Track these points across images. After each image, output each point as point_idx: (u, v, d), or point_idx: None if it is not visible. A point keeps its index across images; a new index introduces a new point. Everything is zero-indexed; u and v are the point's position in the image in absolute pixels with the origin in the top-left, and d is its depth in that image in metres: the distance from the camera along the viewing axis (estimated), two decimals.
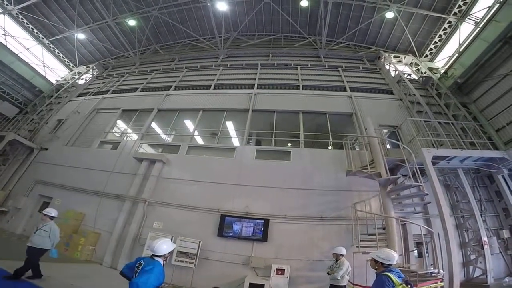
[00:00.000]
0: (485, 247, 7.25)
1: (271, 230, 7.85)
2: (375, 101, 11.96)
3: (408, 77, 12.90)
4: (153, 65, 17.52)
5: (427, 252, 7.17)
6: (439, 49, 14.22)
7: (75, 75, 18.40)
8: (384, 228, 6.85)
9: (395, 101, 11.97)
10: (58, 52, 18.61)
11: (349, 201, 7.94)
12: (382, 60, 14.89)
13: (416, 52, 14.65)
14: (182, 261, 7.29)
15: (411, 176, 6.74)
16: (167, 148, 11.01)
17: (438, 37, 14.02)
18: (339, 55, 15.88)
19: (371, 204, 7.92)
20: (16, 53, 15.89)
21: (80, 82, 17.94)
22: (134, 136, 12.19)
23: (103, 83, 16.70)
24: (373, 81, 13.55)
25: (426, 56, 14.73)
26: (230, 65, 15.69)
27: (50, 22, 16.73)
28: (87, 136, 12.56)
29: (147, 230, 8.14)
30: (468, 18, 12.44)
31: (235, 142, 11.82)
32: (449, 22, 13.28)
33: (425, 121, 9.95)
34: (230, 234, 7.91)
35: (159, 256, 3.10)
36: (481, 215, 7.93)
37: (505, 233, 7.77)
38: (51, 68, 18.39)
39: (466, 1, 12.31)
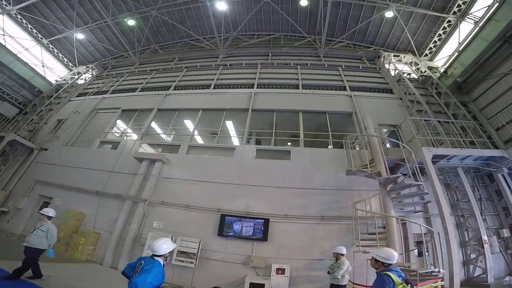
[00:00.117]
0: (485, 246, 7.25)
1: (272, 230, 7.85)
2: (375, 100, 11.95)
3: (408, 76, 12.89)
4: (152, 65, 17.50)
5: (427, 251, 7.18)
6: (439, 48, 14.22)
7: (75, 75, 18.38)
8: (384, 227, 6.85)
9: (395, 100, 11.97)
10: (57, 52, 18.59)
11: (349, 201, 7.94)
12: (382, 59, 14.89)
13: (415, 51, 14.65)
14: (183, 261, 7.29)
15: (411, 175, 6.74)
16: (167, 148, 11.00)
17: (437, 36, 14.01)
18: (338, 54, 15.87)
19: (371, 203, 7.93)
20: (15, 53, 15.87)
21: (80, 82, 17.93)
22: (134, 136, 12.18)
23: (103, 83, 16.69)
24: (373, 80, 13.55)
25: (426, 55, 14.72)
26: (229, 65, 15.69)
27: (49, 22, 16.70)
28: (87, 136, 12.56)
29: (147, 230, 8.14)
30: (468, 17, 12.44)
31: (235, 141, 11.81)
32: (449, 21, 13.28)
33: (425, 120, 9.94)
34: (230, 233, 7.91)
35: (159, 256, 3.10)
36: (481, 214, 7.93)
37: (505, 232, 7.76)
38: (50, 68, 18.37)
39: (466, 0, 12.31)
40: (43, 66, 17.80)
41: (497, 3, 9.94)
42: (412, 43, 14.53)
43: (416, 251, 7.59)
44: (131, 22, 16.94)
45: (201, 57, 17.17)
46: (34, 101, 16.37)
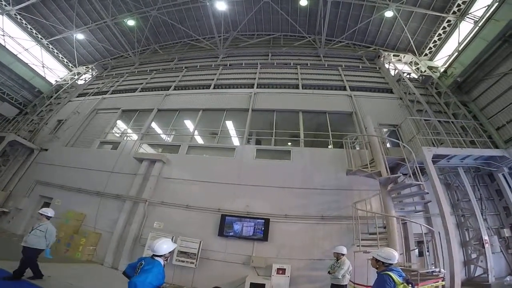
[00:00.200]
0: (486, 246, 7.24)
1: (272, 230, 7.84)
2: (375, 100, 11.95)
3: (408, 76, 12.89)
4: (152, 65, 17.50)
5: (428, 251, 7.18)
6: (439, 48, 14.23)
7: (75, 76, 18.38)
8: (384, 227, 6.85)
9: (395, 100, 11.97)
10: (57, 53, 18.59)
11: (350, 200, 7.94)
12: (382, 59, 14.89)
13: (415, 51, 14.64)
14: (183, 261, 7.29)
15: (411, 175, 6.74)
16: (167, 148, 11.00)
17: (437, 36, 14.02)
18: (338, 54, 15.87)
19: (371, 203, 7.92)
20: (15, 54, 15.88)
21: (80, 82, 17.93)
22: (134, 136, 12.19)
23: (103, 83, 16.69)
24: (373, 80, 13.55)
25: (426, 55, 14.73)
26: (229, 65, 15.69)
27: (49, 23, 16.70)
28: (87, 137, 12.56)
29: (147, 230, 8.14)
30: (467, 17, 12.43)
31: (235, 141, 11.81)
32: (449, 21, 13.28)
33: (425, 120, 9.94)
34: (230, 233, 7.91)
35: (160, 256, 3.09)
36: (481, 213, 7.92)
37: (506, 232, 7.75)
38: (50, 68, 18.38)
39: (465, 0, 12.31)
40: (43, 66, 17.81)
41: (497, 3, 9.94)
42: (412, 42, 14.53)
43: (416, 251, 7.58)
44: (131, 22, 16.93)
45: (201, 57, 17.17)
46: (34, 102, 16.37)
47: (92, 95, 15.47)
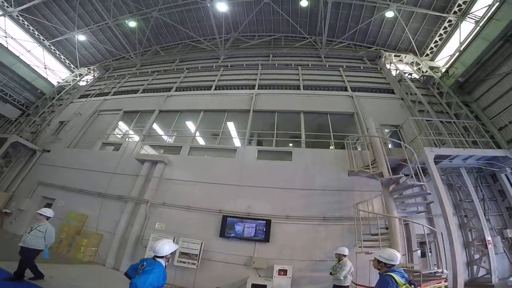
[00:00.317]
0: (489, 246, 7.21)
1: (273, 231, 7.83)
2: (376, 100, 11.94)
3: (409, 76, 12.88)
4: (154, 66, 17.57)
5: (431, 252, 7.14)
6: (440, 48, 14.21)
7: (76, 77, 18.45)
8: (387, 228, 6.82)
9: (396, 101, 11.94)
10: (59, 54, 18.69)
11: (351, 201, 7.92)
12: (383, 59, 14.87)
13: (416, 51, 14.63)
14: (185, 262, 7.28)
15: (413, 176, 6.72)
16: (168, 149, 11.01)
17: (438, 36, 14.00)
18: (339, 54, 15.88)
19: (373, 204, 7.88)
20: (17, 55, 15.97)
21: (82, 84, 17.99)
22: (136, 138, 12.22)
23: (104, 84, 16.75)
24: (374, 81, 13.53)
25: (427, 55, 14.70)
26: (230, 66, 15.71)
27: (51, 24, 16.80)
28: (89, 138, 12.60)
29: (149, 231, 8.16)
30: (468, 17, 12.43)
31: (237, 142, 11.82)
32: (450, 21, 13.26)
33: (427, 120, 9.91)
34: (232, 234, 7.90)
35: (161, 257, 3.10)
36: (484, 214, 7.89)
37: (509, 233, 7.70)
38: (52, 70, 18.48)
39: (466, 0, 12.29)
40: (45, 67, 17.91)
41: (498, 3, 9.93)
42: (413, 43, 14.52)
43: (419, 251, 7.54)
44: (132, 24, 17.01)
45: (202, 58, 17.20)
46: (36, 103, 16.42)
47: (94, 97, 15.53)
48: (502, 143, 9.13)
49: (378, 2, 13.96)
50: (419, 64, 14.06)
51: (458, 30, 12.88)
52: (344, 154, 8.68)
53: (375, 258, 3.50)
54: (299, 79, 13.57)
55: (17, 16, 15.96)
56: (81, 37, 17.67)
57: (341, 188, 8.40)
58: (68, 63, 19.28)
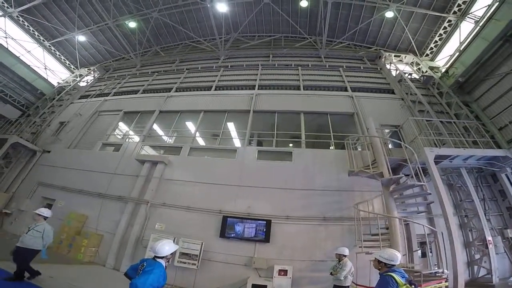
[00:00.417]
0: (490, 246, 7.21)
1: (274, 231, 7.83)
2: (376, 100, 11.94)
3: (409, 77, 12.88)
4: (154, 67, 17.57)
5: (431, 252, 7.13)
6: (440, 48, 14.21)
7: (77, 78, 18.46)
8: (387, 228, 6.82)
9: (396, 101, 11.95)
10: (59, 55, 18.71)
11: (352, 201, 7.92)
12: (383, 59, 14.87)
13: (416, 51, 14.63)
14: (185, 263, 7.28)
15: (413, 176, 6.72)
16: (168, 150, 11.01)
17: (438, 36, 14.00)
18: (339, 55, 15.88)
19: (373, 204, 7.88)
20: (18, 56, 15.98)
21: (82, 84, 18.00)
22: (136, 138, 12.22)
23: (105, 85, 16.75)
24: (374, 81, 13.54)
25: (427, 55, 14.71)
26: (230, 66, 15.72)
27: (51, 25, 16.82)
28: (89, 139, 12.60)
29: (149, 232, 8.15)
30: (468, 17, 12.43)
31: (237, 143, 11.83)
32: (449, 21, 13.26)
33: (427, 120, 9.91)
34: (232, 235, 7.90)
35: (161, 258, 3.10)
36: (485, 214, 7.89)
37: (510, 233, 7.70)
38: (52, 70, 18.50)
39: (466, 0, 12.30)
40: (45, 68, 17.93)
41: (497, 3, 9.93)
42: (413, 43, 14.52)
43: (419, 251, 7.54)
44: (132, 24, 17.02)
45: (202, 58, 17.21)
46: (37, 104, 16.43)
47: (94, 97, 15.53)
48: (502, 143, 9.13)
49: (378, 2, 13.97)
50: (419, 64, 14.06)
51: (458, 30, 12.89)
52: (344, 154, 8.69)
53: (375, 258, 3.50)
54: (299, 79, 13.58)
55: (17, 16, 15.98)
56: (81, 38, 17.69)
57: (341, 188, 8.40)
58: (68, 64, 19.30)
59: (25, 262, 5.11)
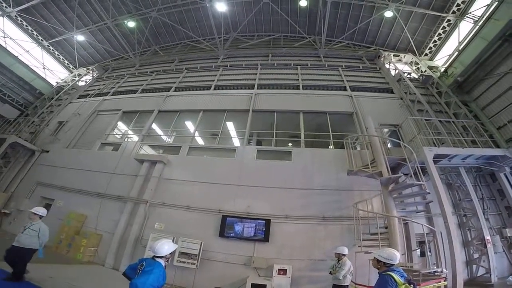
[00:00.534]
0: (488, 245, 7.23)
1: (273, 230, 7.83)
2: (375, 100, 11.95)
3: (408, 76, 12.89)
4: (153, 67, 17.53)
5: (430, 251, 7.15)
6: (439, 48, 14.23)
7: (75, 77, 18.40)
8: (386, 228, 6.83)
9: (395, 100, 11.95)
10: (58, 54, 18.65)
11: (351, 201, 7.93)
12: (382, 59, 14.88)
13: (415, 51, 14.64)
14: (184, 262, 7.29)
15: (412, 175, 6.72)
16: (168, 149, 11.00)
17: (437, 36, 14.02)
18: (338, 54, 15.87)
19: (372, 203, 7.91)
20: (16, 56, 15.93)
21: (80, 84, 17.94)
22: (135, 138, 12.20)
23: (103, 85, 16.72)
24: (373, 80, 13.55)
25: (426, 54, 14.72)
26: (230, 66, 15.70)
27: (49, 24, 16.76)
28: (88, 138, 12.57)
29: (148, 231, 8.14)
30: (467, 17, 12.44)
31: (236, 142, 11.82)
32: (448, 20, 13.28)
33: (426, 120, 9.92)
34: (231, 234, 7.90)
35: (161, 257, 3.10)
36: (483, 213, 7.91)
37: (508, 232, 7.72)
38: (51, 70, 18.44)
39: (465, 0, 12.31)
40: (44, 68, 17.87)
41: (496, 2, 9.94)
42: (412, 42, 14.53)
43: (418, 251, 7.56)
44: (131, 24, 16.97)
45: (201, 58, 17.19)
46: (35, 103, 16.39)
47: (93, 97, 15.49)
48: (501, 142, 9.16)
49: (377, 2, 13.97)
50: (418, 64, 14.08)
51: (457, 29, 12.91)
52: (343, 153, 8.69)
53: (374, 257, 3.51)
54: (298, 79, 13.57)
55: (15, 16, 15.93)
56: (80, 38, 17.63)
57: (341, 188, 8.41)
58: (67, 63, 19.24)
59: (23, 262, 5.08)
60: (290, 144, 11.20)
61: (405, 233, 7.36)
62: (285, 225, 7.97)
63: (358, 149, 9.31)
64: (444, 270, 5.99)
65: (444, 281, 5.88)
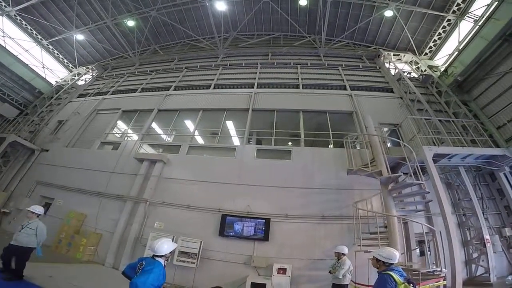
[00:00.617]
0: (488, 245, 7.24)
1: (273, 230, 7.84)
2: (375, 99, 11.95)
3: (408, 75, 12.88)
4: (152, 66, 17.51)
5: (429, 251, 7.16)
6: (439, 47, 14.22)
7: (75, 76, 18.38)
8: (385, 227, 6.84)
9: (395, 99, 11.95)
10: (57, 54, 18.61)
11: (350, 200, 7.93)
12: (382, 58, 14.86)
13: (415, 50, 14.63)
14: (184, 261, 7.29)
15: (412, 174, 6.72)
16: (167, 148, 11.00)
17: (437, 35, 14.00)
18: (338, 53, 15.85)
19: (372, 202, 7.90)
20: (16, 55, 15.89)
21: (80, 83, 17.92)
22: (135, 137, 12.19)
23: (103, 84, 16.70)
24: (373, 80, 13.53)
25: (426, 54, 14.71)
26: (229, 65, 15.68)
27: (49, 23, 16.72)
28: (87, 137, 12.56)
29: (148, 230, 8.14)
30: (467, 16, 12.44)
31: (236, 141, 11.80)
32: (448, 20, 13.27)
33: (425, 119, 9.91)
34: (231, 233, 7.91)
35: (160, 256, 3.09)
36: (483, 213, 7.92)
37: (507, 231, 7.74)
38: (50, 69, 18.39)
39: None
40: (43, 67, 17.82)
41: (496, 2, 9.94)
42: (412, 42, 14.52)
43: (417, 250, 7.58)
44: (130, 23, 16.92)
45: (201, 57, 17.16)
46: (35, 102, 16.37)
47: (93, 96, 15.47)
48: (501, 141, 9.17)
49: (377, 1, 13.95)
50: (418, 63, 14.08)
51: (457, 29, 12.90)
52: (343, 152, 8.67)
53: (374, 256, 3.51)
54: (298, 78, 13.56)
55: (15, 15, 15.89)
56: (80, 37, 17.59)
57: (340, 187, 8.41)
58: (67, 63, 19.20)
59: (23, 261, 5.08)
60: (290, 143, 11.19)
61: (404, 233, 7.37)
62: (285, 224, 7.97)
63: (358, 148, 9.33)
64: (444, 269, 6.00)
65: (443, 280, 5.90)
